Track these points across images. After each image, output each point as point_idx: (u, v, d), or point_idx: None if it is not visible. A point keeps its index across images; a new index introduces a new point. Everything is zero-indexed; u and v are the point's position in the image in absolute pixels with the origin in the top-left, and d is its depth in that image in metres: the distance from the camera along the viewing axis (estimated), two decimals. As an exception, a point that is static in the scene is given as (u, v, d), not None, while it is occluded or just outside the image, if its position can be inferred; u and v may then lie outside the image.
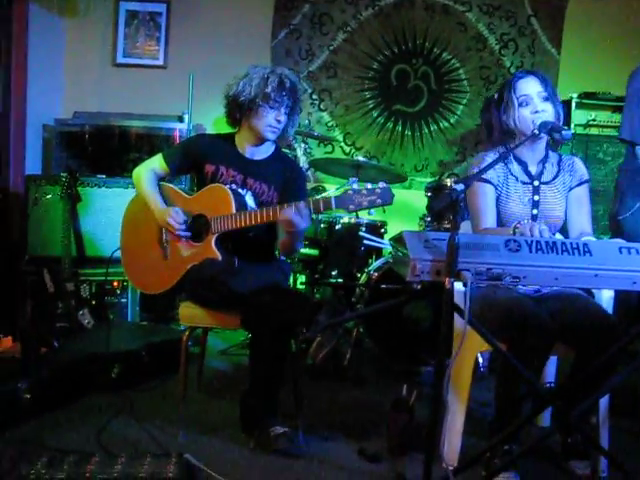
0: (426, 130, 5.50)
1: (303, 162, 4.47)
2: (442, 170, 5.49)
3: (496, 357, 3.64)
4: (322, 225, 4.15)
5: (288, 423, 2.75)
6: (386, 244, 4.09)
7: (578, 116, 5.04)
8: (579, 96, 5.10)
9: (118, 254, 3.12)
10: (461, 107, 5.51)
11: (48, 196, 4.27)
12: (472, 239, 1.93)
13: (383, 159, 5.45)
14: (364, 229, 4.07)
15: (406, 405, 2.77)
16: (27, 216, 4.28)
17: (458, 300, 2.03)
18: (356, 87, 5.48)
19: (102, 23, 5.39)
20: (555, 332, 2.37)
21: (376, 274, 3.79)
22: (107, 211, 4.28)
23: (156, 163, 3.02)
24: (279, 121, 2.88)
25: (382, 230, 4.21)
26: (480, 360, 3.65)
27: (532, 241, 1.97)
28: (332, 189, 4.50)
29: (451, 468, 2.43)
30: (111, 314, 4.19)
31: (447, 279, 1.80)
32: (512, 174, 2.73)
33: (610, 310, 2.66)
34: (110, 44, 5.42)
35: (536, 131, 2.53)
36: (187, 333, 2.80)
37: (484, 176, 2.65)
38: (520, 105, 2.66)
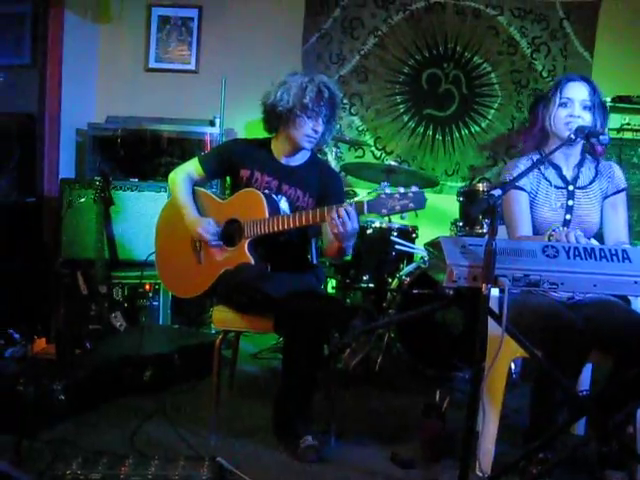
0: (457, 134, 5.46)
1: (334, 166, 4.47)
2: (473, 175, 5.45)
3: (529, 364, 3.61)
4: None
5: (320, 427, 2.75)
6: (417, 249, 4.07)
7: (612, 120, 4.96)
8: (613, 100, 5.02)
9: (153, 258, 3.14)
10: (492, 111, 5.47)
11: (82, 200, 4.32)
12: (509, 245, 1.92)
13: (414, 163, 5.43)
14: (395, 234, 4.05)
15: (439, 411, 2.75)
16: (61, 219, 4.34)
17: (492, 306, 2.02)
18: (387, 91, 5.47)
19: (135, 28, 5.45)
20: (591, 340, 2.34)
21: (408, 279, 3.77)
22: (139, 215, 4.32)
23: (192, 167, 3.04)
24: (316, 131, 2.88)
25: (413, 235, 4.19)
26: (512, 367, 3.62)
27: (570, 247, 1.95)
28: (363, 193, 4.48)
29: (485, 475, 2.42)
30: (143, 317, 4.22)
31: (484, 285, 1.78)
32: (545, 178, 2.71)
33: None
34: (142, 49, 5.47)
35: (572, 136, 2.50)
36: (220, 337, 2.81)
37: (518, 183, 2.63)
38: (560, 105, 2.64)
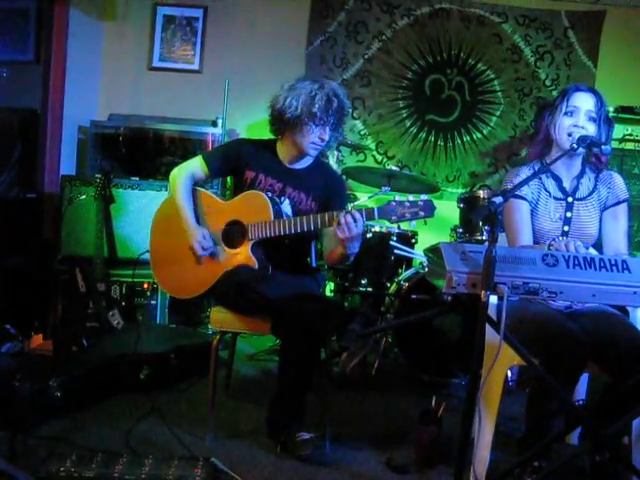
0: (459, 141, 5.47)
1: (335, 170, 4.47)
2: (474, 181, 5.46)
3: (524, 372, 3.62)
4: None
5: (315, 431, 2.75)
6: (416, 254, 4.07)
7: (614, 130, 4.98)
8: (615, 110, 5.04)
9: (146, 256, 3.13)
10: (495, 119, 5.47)
11: (82, 197, 4.32)
12: (509, 252, 1.92)
13: (415, 169, 5.43)
14: (395, 238, 4.05)
15: (434, 417, 2.75)
16: (61, 216, 4.34)
17: (491, 313, 2.02)
18: (390, 96, 5.47)
19: (139, 27, 5.45)
20: (588, 350, 2.34)
21: (406, 284, 3.77)
22: (140, 213, 4.31)
23: (196, 165, 3.01)
24: (323, 140, 2.87)
25: (413, 240, 4.19)
26: (509, 374, 3.62)
27: (569, 256, 1.95)
28: (363, 197, 4.50)
29: (480, 482, 2.42)
30: (140, 316, 4.22)
31: (483, 292, 1.78)
32: (545, 189, 2.71)
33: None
34: (147, 48, 5.47)
35: (574, 145, 2.49)
36: (217, 337, 2.81)
37: (519, 192, 2.64)
38: (565, 114, 2.64)
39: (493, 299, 1.92)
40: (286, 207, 2.92)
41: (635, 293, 1.91)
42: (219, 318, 2.83)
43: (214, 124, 5.05)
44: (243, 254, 2.80)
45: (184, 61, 5.50)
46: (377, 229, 4.07)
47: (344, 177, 4.57)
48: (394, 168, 4.24)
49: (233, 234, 2.88)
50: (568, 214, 2.70)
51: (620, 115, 5.04)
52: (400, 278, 3.91)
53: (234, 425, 2.96)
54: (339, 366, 3.20)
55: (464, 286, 1.84)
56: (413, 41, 5.45)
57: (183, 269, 2.97)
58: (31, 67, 4.85)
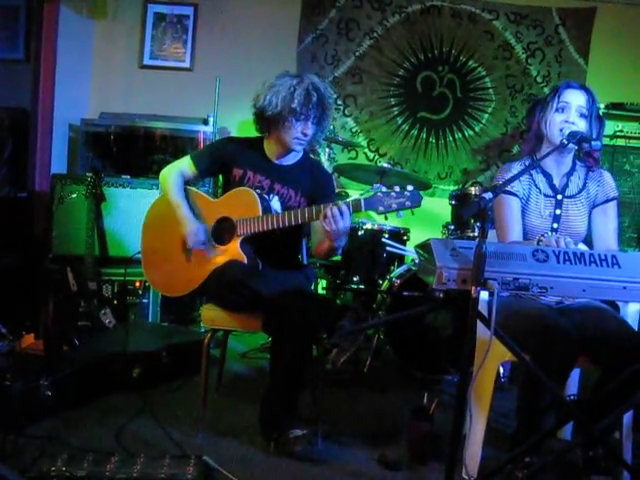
0: (450, 138, 5.47)
1: (327, 167, 4.47)
2: (466, 179, 5.46)
3: (517, 368, 3.62)
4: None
5: (308, 429, 2.75)
6: (408, 251, 4.08)
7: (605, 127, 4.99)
8: (606, 107, 5.04)
9: (139, 256, 3.13)
10: (486, 116, 5.48)
11: (73, 195, 4.30)
12: (499, 248, 1.92)
13: (407, 166, 5.44)
14: (387, 235, 4.05)
15: (426, 414, 2.75)
16: (52, 215, 4.32)
17: (481, 309, 2.02)
18: (381, 93, 5.47)
19: (130, 25, 5.43)
20: (579, 345, 2.35)
21: (398, 281, 3.77)
22: (131, 211, 4.30)
23: (185, 165, 3.02)
24: (305, 134, 2.87)
25: (405, 237, 4.19)
26: (500, 370, 3.62)
27: (560, 252, 1.95)
28: (355, 195, 4.48)
29: (471, 478, 2.42)
30: (132, 314, 4.21)
31: (474, 288, 1.78)
32: (536, 186, 2.71)
33: (635, 324, 2.63)
34: (137, 46, 5.46)
35: (564, 140, 2.50)
36: (209, 335, 2.81)
37: (510, 188, 2.64)
38: (556, 110, 2.64)
39: (484, 295, 1.93)
40: (275, 204, 2.93)
41: (625, 288, 1.91)
42: (210, 316, 2.82)
43: (205, 122, 5.03)
44: (232, 250, 2.81)
45: (175, 59, 5.49)
46: (369, 226, 4.07)
47: (335, 174, 4.58)
48: (386, 165, 4.23)
49: (223, 231, 2.88)
50: (557, 211, 2.70)
51: (611, 112, 5.03)
52: (392, 275, 3.91)
53: (226, 423, 2.95)
54: (329, 362, 3.21)
55: (454, 282, 1.84)
56: (404, 38, 5.45)
57: (173, 267, 2.97)
58: (21, 65, 4.84)
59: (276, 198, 2.95)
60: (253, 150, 3.01)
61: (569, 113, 2.63)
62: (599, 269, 1.94)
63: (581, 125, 2.62)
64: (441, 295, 3.01)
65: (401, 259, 4.22)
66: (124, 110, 5.19)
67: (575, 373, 2.98)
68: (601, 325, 2.42)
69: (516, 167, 2.72)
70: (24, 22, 4.82)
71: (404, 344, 3.71)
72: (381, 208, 2.57)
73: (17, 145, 4.65)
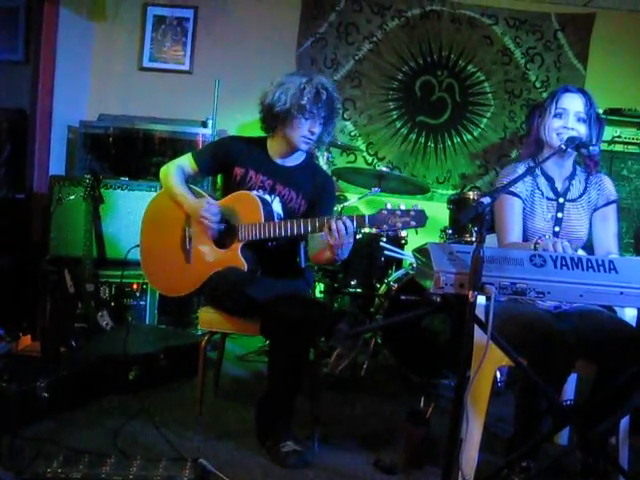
0: (449, 142, 5.48)
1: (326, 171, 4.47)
2: (464, 183, 5.46)
3: (514, 372, 3.62)
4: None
5: (304, 432, 2.75)
6: (406, 255, 4.08)
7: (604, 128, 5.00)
8: (604, 112, 5.04)
9: (133, 254, 3.11)
10: (485, 120, 5.49)
11: (71, 197, 4.30)
12: (497, 253, 1.92)
13: (405, 170, 5.44)
14: (385, 239, 4.05)
15: (423, 418, 2.75)
16: (50, 216, 4.31)
17: (479, 313, 2.02)
18: (380, 97, 5.48)
19: (129, 27, 5.44)
20: (576, 349, 2.35)
21: (396, 285, 3.77)
22: (129, 213, 4.29)
23: (186, 162, 3.01)
24: (313, 132, 2.86)
25: (403, 241, 4.19)
26: (498, 375, 3.62)
27: (557, 257, 1.95)
28: (353, 198, 4.50)
29: (468, 483, 2.42)
30: (130, 316, 4.21)
31: (471, 292, 1.79)
32: (539, 189, 2.72)
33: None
34: (137, 48, 5.46)
35: (563, 145, 2.51)
36: (206, 338, 2.81)
37: (514, 190, 2.64)
38: (555, 116, 2.65)
39: (481, 299, 1.92)
40: (276, 205, 2.92)
41: (622, 293, 1.92)
42: (207, 318, 2.82)
43: (204, 124, 5.03)
44: (233, 255, 2.79)
45: (174, 61, 5.49)
46: (367, 230, 4.06)
47: (334, 178, 4.57)
48: (384, 169, 4.23)
49: (224, 234, 2.87)
50: (559, 215, 2.71)
51: (609, 117, 5.05)
52: (390, 279, 3.91)
53: (223, 426, 2.95)
54: (328, 367, 3.20)
55: (452, 286, 1.84)
56: (404, 42, 5.46)
57: (173, 267, 2.96)
58: (20, 67, 4.83)
59: (277, 199, 2.95)
60: (256, 150, 3.00)
61: (567, 119, 2.63)
62: (596, 274, 1.94)
63: (581, 130, 2.63)
64: (438, 299, 3.01)
65: (399, 263, 4.22)
66: (123, 112, 5.18)
67: (572, 378, 2.98)
68: (598, 328, 2.43)
69: (520, 168, 2.72)
70: (23, 23, 4.81)
71: (401, 348, 3.71)
72: (385, 226, 2.54)
73: (15, 146, 4.65)
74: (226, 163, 2.98)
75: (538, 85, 5.46)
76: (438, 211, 4.77)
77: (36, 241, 4.57)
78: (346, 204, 4.33)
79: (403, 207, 2.55)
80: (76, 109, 5.25)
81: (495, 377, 3.56)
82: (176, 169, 2.99)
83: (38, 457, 2.37)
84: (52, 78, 4.86)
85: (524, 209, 2.69)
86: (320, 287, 4.44)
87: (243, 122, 5.20)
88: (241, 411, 3.11)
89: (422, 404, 2.81)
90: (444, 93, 5.48)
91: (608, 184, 2.77)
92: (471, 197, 4.08)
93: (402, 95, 5.48)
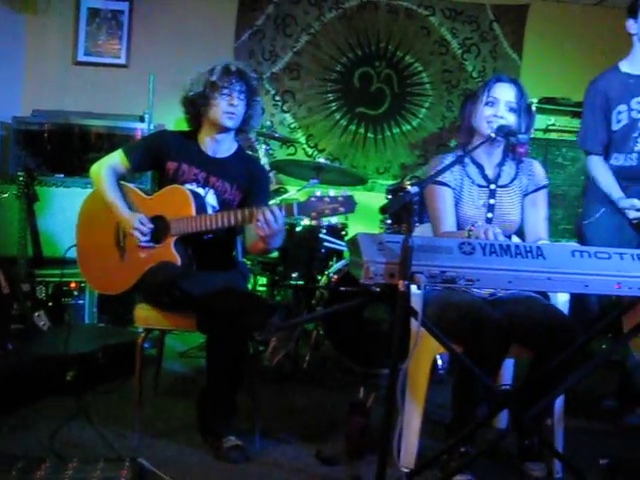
0: (388, 133, 5.52)
1: (265, 164, 4.45)
2: (404, 173, 5.51)
3: (454, 359, 3.67)
4: (283, 227, 4.12)
5: (245, 426, 2.73)
6: (346, 246, 4.09)
7: (538, 121, 5.09)
8: (539, 101, 5.15)
9: (71, 253, 3.06)
10: (423, 110, 5.54)
11: (4, 195, 4.19)
12: (426, 242, 1.93)
13: (345, 161, 5.46)
14: (324, 231, 4.06)
15: (363, 408, 2.76)
16: (-18, 215, 4.20)
17: (415, 302, 2.03)
18: (319, 89, 5.48)
19: (63, 21, 5.34)
20: (510, 334, 2.39)
21: (336, 276, 3.78)
22: (65, 211, 4.20)
23: (116, 159, 2.95)
24: (233, 105, 2.84)
25: (343, 232, 4.20)
26: (439, 362, 3.67)
27: (486, 244, 1.97)
28: (293, 191, 4.49)
29: (408, 470, 2.44)
30: (68, 316, 4.12)
31: (401, 282, 1.79)
32: (469, 177, 2.75)
33: (565, 313, 2.69)
34: (71, 42, 5.37)
35: (492, 134, 2.55)
36: (142, 335, 2.77)
37: (442, 179, 2.67)
38: (486, 104, 2.68)
39: (416, 289, 1.94)
40: (210, 198, 2.90)
41: (549, 279, 1.95)
42: (144, 315, 2.78)
43: (142, 119, 4.95)
44: (166, 250, 2.76)
45: (110, 55, 5.42)
46: (307, 222, 4.07)
47: (274, 171, 4.56)
48: (323, 161, 4.23)
49: (157, 229, 2.84)
50: (491, 201, 2.75)
51: (544, 106, 5.16)
52: (330, 270, 3.92)
53: (163, 423, 2.92)
54: (266, 360, 3.20)
55: (381, 276, 1.84)
56: (342, 34, 5.47)
57: (108, 265, 2.91)
58: (-52, 62, 4.70)
59: (212, 192, 2.92)
60: (188, 143, 2.98)
61: (498, 107, 2.67)
62: (524, 260, 1.97)
63: (510, 119, 2.66)
64: (377, 289, 3.01)
65: (339, 254, 4.23)
66: (58, 107, 5.07)
67: (509, 363, 3.04)
68: (531, 313, 2.48)
69: (448, 159, 2.74)
70: (-49, 17, 4.68)
71: (343, 339, 3.73)
72: (314, 213, 2.56)
73: (-55, 144, 4.52)
74: (158, 158, 2.94)
75: (475, 75, 5.54)
76: (378, 201, 4.77)
77: (-31, 241, 4.44)
78: (285, 196, 4.32)
79: (332, 194, 2.56)
80: (9, 105, 5.12)
81: (435, 364, 3.62)
82: (107, 170, 2.93)
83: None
84: (-18, 73, 4.74)
85: (456, 198, 2.72)
86: (262, 280, 4.43)
87: (181, 116, 5.12)
88: (182, 408, 3.08)
89: (362, 394, 2.82)
90: (383, 84, 5.51)
91: (538, 169, 2.82)
92: (409, 186, 4.10)
93: (341, 87, 5.49)
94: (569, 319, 2.52)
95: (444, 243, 1.95)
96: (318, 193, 2.61)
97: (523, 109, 2.71)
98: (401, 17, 5.51)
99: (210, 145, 2.97)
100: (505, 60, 5.61)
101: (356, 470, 2.59)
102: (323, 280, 3.91)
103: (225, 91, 2.83)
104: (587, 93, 3.29)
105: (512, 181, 2.78)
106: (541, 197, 2.80)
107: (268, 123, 5.01)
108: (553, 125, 5.13)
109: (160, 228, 2.83)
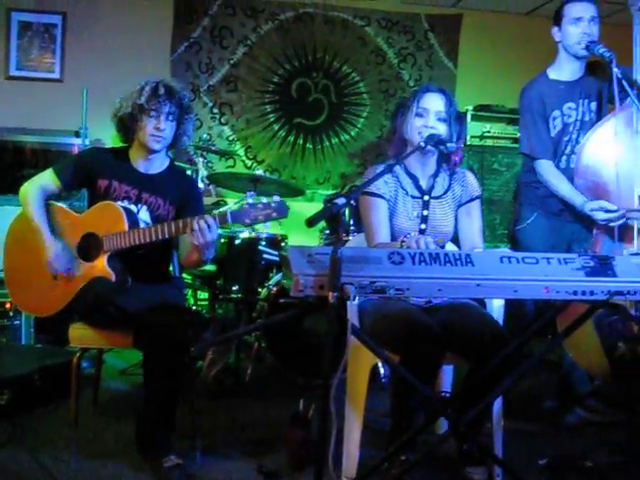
0: (327, 143, 5.54)
1: (203, 176, 4.42)
2: (344, 182, 5.54)
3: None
4: (221, 240, 4.09)
5: (186, 443, 2.70)
6: (286, 258, 4.07)
7: (473, 128, 5.19)
8: (474, 108, 5.25)
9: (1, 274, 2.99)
10: (362, 120, 5.58)
11: None
12: (356, 253, 1.93)
13: (285, 172, 5.47)
14: (264, 243, 4.04)
15: (304, 420, 2.76)
16: None
17: (350, 313, 2.03)
18: (257, 101, 5.48)
19: (-7, 34, 5.21)
20: (445, 342, 2.42)
21: (275, 288, 3.77)
22: (-1, 230, 4.10)
23: (47, 178, 2.90)
24: (159, 129, 2.81)
25: (282, 244, 4.19)
26: (382, 371, 3.68)
27: (415, 253, 1.98)
28: (231, 203, 4.47)
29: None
30: (3, 337, 4.02)
31: (330, 293, 1.79)
32: (403, 188, 2.77)
33: (500, 319, 2.73)
34: (2, 56, 5.24)
35: (422, 143, 2.57)
36: (78, 355, 2.72)
37: (377, 191, 2.69)
38: (416, 115, 2.70)
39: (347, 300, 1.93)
40: (143, 214, 2.86)
41: (478, 285, 1.96)
42: (78, 334, 2.73)
43: (77, 134, 4.87)
44: (99, 267, 2.72)
45: (44, 69, 5.32)
46: (246, 235, 4.04)
47: (213, 185, 4.54)
48: (260, 173, 4.21)
49: (89, 247, 2.79)
50: (425, 212, 2.77)
51: (479, 113, 5.25)
52: (270, 283, 3.90)
53: (102, 444, 2.87)
54: (201, 375, 3.16)
55: (311, 288, 1.84)
56: (278, 45, 5.48)
57: (40, 286, 2.85)
58: None
59: (144, 208, 2.89)
60: (119, 160, 2.94)
61: (428, 118, 2.69)
62: (453, 268, 1.98)
63: (441, 129, 2.69)
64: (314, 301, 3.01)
65: (280, 266, 4.21)
66: (-10, 123, 4.97)
67: (449, 369, 3.07)
68: (465, 321, 2.51)
69: (380, 169, 2.76)
70: None
71: (284, 350, 3.71)
72: (247, 220, 2.56)
73: None
74: (89, 176, 2.90)
75: (412, 84, 5.61)
76: (319, 212, 4.80)
77: None
78: (223, 210, 4.29)
79: (265, 200, 2.57)
80: (-63, 121, 4.98)
81: (378, 373, 3.63)
82: (36, 192, 2.88)
83: None
84: None
85: (390, 209, 2.74)
86: (203, 295, 4.39)
87: (118, 130, 5.06)
88: (122, 427, 3.02)
89: (301, 406, 2.81)
90: (320, 94, 5.54)
91: (471, 180, 2.85)
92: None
93: (279, 98, 5.50)
94: (500, 327, 2.56)
95: (373, 254, 1.95)
96: (251, 200, 2.59)
97: (453, 118, 2.74)
98: (337, 28, 5.54)
99: (141, 162, 2.93)
100: (441, 69, 5.70)
101: (296, 483, 2.59)
102: (263, 292, 3.89)
103: (152, 114, 2.79)
104: (522, 100, 3.30)
105: (445, 192, 2.81)
106: (475, 207, 2.83)
107: (206, 136, 4.96)
108: (489, 132, 5.22)
109: (92, 245, 2.78)
